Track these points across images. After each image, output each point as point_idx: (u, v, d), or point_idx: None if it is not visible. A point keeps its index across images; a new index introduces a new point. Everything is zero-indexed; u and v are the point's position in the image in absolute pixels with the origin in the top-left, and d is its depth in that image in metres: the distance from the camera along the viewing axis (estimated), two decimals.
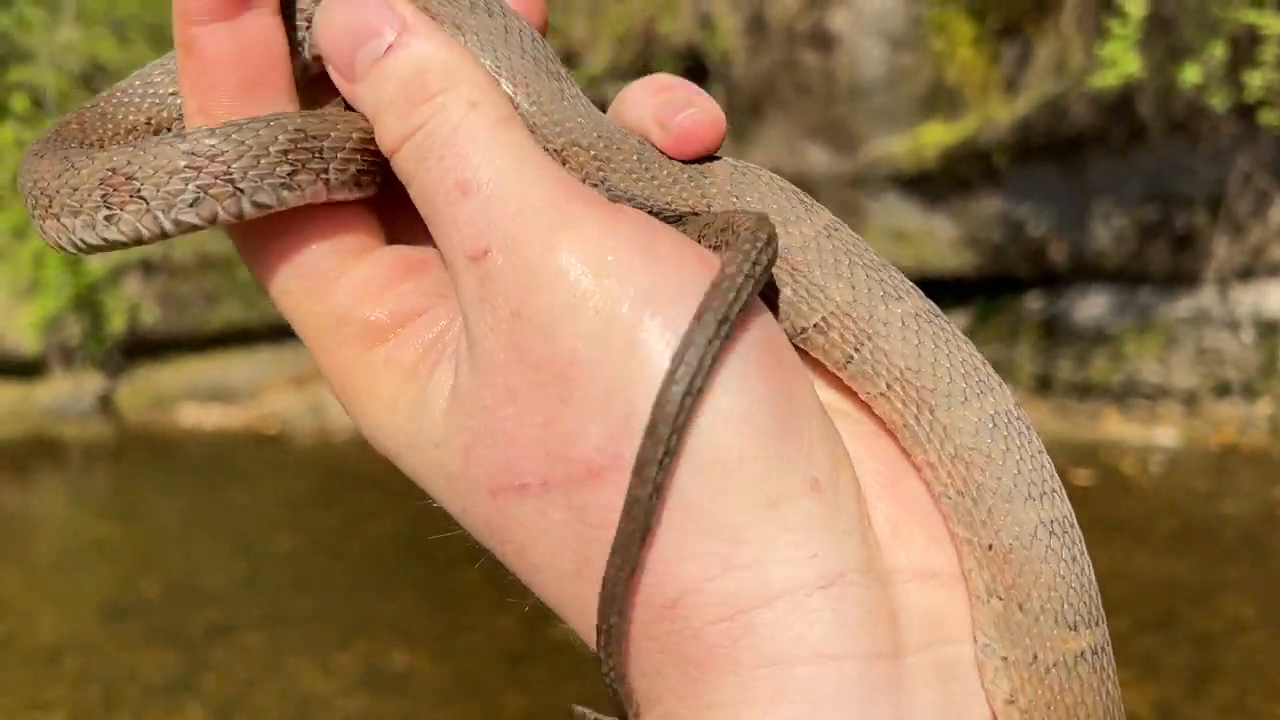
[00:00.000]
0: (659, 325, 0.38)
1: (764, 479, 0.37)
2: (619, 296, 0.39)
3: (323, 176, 0.46)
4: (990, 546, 0.40)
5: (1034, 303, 7.94)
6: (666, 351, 0.38)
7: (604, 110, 0.52)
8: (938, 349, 0.43)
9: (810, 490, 0.37)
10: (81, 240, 0.47)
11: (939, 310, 0.44)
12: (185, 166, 0.44)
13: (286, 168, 0.45)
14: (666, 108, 0.49)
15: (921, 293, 0.44)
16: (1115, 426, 6.91)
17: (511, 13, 0.49)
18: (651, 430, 0.36)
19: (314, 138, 0.45)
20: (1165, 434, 6.68)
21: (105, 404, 10.82)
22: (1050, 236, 7.45)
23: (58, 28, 9.58)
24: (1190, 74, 5.67)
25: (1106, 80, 5.84)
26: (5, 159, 10.17)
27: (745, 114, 8.22)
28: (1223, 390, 6.77)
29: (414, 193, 0.44)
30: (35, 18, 9.89)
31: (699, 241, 0.44)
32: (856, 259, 0.45)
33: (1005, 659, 0.40)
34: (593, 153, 0.48)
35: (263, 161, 0.44)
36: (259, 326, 10.24)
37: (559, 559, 0.40)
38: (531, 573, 0.41)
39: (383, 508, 6.49)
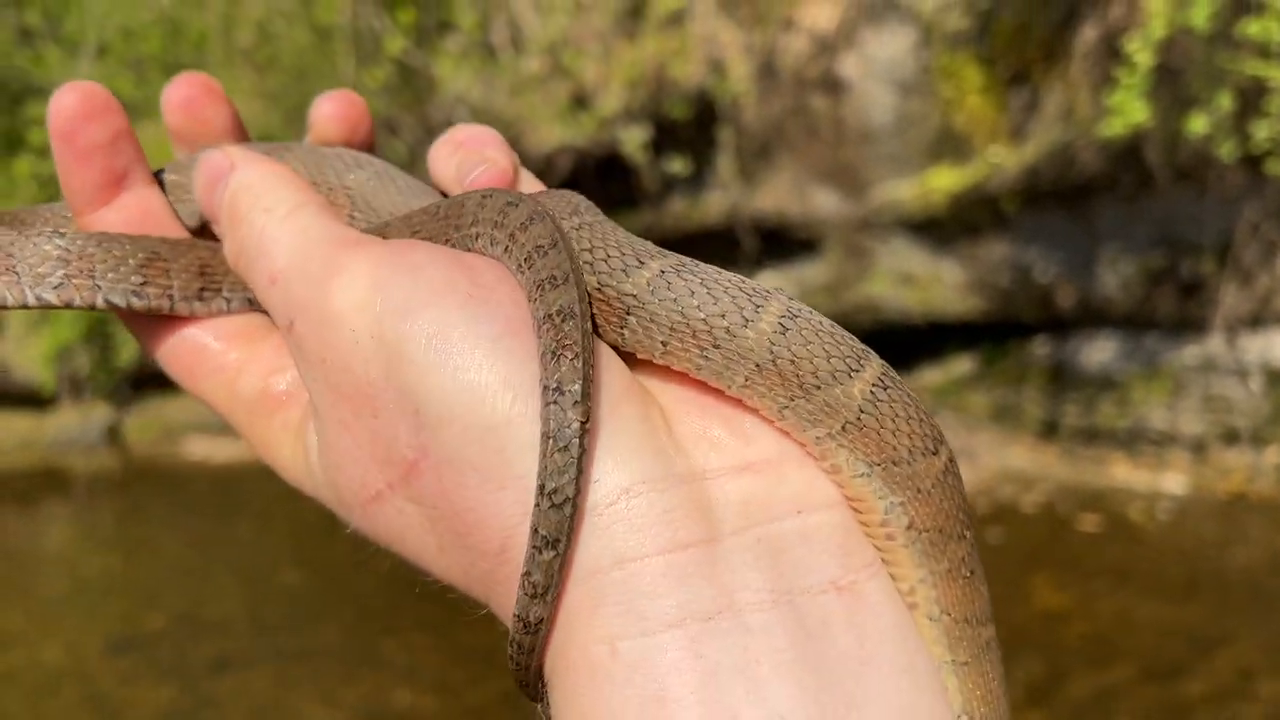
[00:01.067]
0: (417, 330, 0.44)
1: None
2: (382, 317, 0.46)
3: (168, 292, 0.56)
4: (844, 427, 0.44)
5: (1041, 348, 7.95)
6: (428, 350, 0.44)
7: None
8: (698, 291, 0.45)
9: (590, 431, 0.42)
10: None
11: (684, 259, 0.47)
12: (57, 257, 0.55)
13: (138, 278, 0.55)
14: (462, 167, 0.55)
15: (663, 251, 0.47)
16: (1122, 473, 6.89)
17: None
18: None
19: (164, 259, 0.56)
20: (1173, 481, 6.67)
21: (113, 435, 10.85)
22: (1058, 282, 7.48)
23: (75, 64, 9.72)
24: (1197, 124, 5.72)
25: (1114, 129, 5.89)
26: (21, 192, 10.28)
27: (755, 157, 8.29)
28: (1231, 438, 6.76)
29: (254, 295, 0.52)
30: (53, 56, 10.04)
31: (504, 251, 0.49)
32: (609, 236, 0.47)
33: (900, 504, 0.44)
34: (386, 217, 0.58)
35: (120, 269, 0.54)
36: None
37: (425, 542, 0.46)
38: (418, 560, 0.48)
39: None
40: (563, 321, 0.42)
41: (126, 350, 10.60)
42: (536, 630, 0.42)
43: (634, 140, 7.63)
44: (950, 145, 7.59)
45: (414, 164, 8.45)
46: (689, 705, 0.38)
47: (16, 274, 0.55)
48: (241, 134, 0.64)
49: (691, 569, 0.41)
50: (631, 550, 0.41)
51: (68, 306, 0.57)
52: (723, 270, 0.47)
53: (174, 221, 0.60)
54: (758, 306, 0.45)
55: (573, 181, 8.46)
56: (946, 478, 0.46)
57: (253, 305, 0.58)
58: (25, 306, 0.56)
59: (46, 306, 0.57)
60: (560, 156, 8.26)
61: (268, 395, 0.55)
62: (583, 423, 0.40)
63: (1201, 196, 6.44)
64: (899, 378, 0.46)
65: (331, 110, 0.63)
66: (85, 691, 4.90)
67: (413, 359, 0.44)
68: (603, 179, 8.49)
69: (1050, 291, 7.55)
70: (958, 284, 8.00)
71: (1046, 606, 5.11)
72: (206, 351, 0.58)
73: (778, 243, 8.38)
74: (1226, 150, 5.76)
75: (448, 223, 0.51)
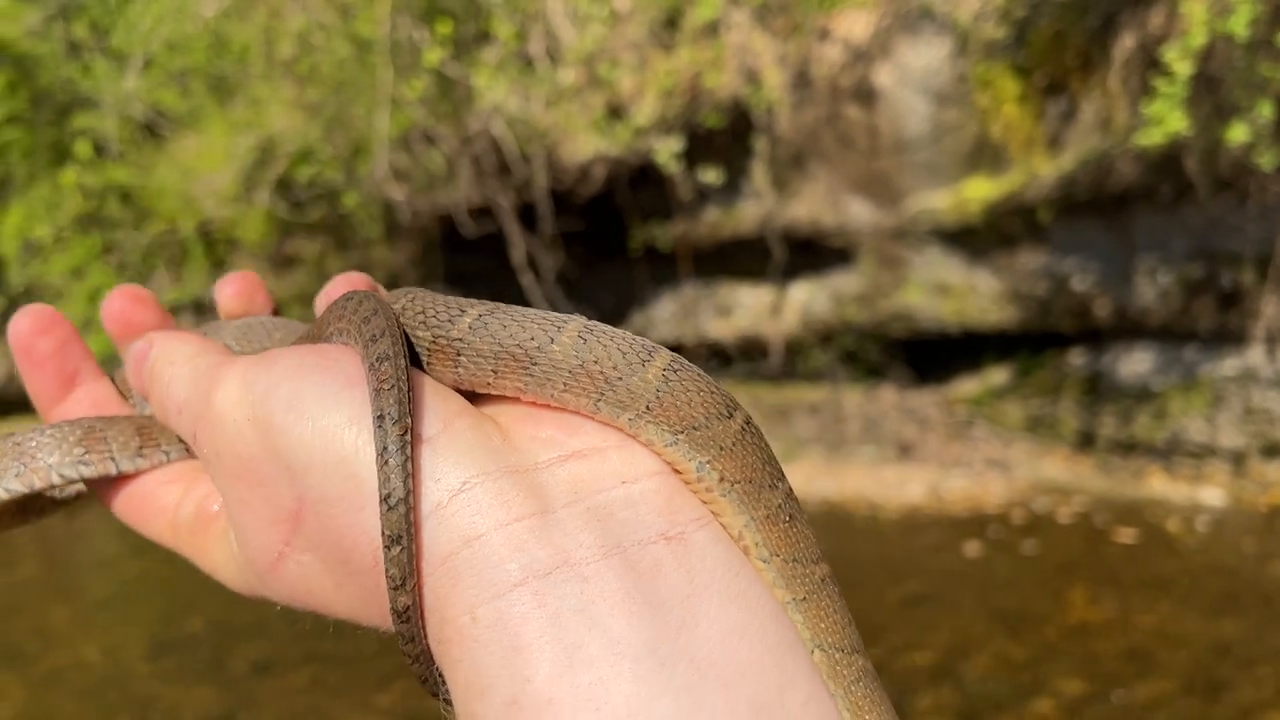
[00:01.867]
0: (278, 400, 0.53)
1: None
2: (253, 403, 0.54)
3: (110, 456, 0.66)
4: (647, 407, 0.52)
5: (1077, 359, 7.90)
6: (288, 412, 0.52)
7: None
8: (509, 325, 0.54)
9: (428, 443, 0.50)
10: None
11: (497, 305, 0.56)
12: (14, 451, 0.67)
13: (80, 450, 0.66)
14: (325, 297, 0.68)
15: (481, 301, 0.57)
16: (1160, 485, 6.82)
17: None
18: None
19: (100, 430, 0.67)
20: (1212, 493, 6.59)
21: None
22: (1094, 292, 7.43)
23: (123, 76, 9.89)
24: (1237, 133, 5.67)
25: (1153, 138, 5.85)
26: (67, 202, 10.47)
27: (789, 167, 8.30)
28: (1271, 450, 6.68)
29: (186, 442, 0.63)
30: (101, 68, 10.22)
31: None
32: (436, 299, 0.57)
33: (707, 461, 0.52)
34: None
35: (64, 447, 0.66)
36: None
37: (324, 584, 0.54)
38: (325, 607, 0.57)
39: None
40: (380, 364, 0.50)
41: None
42: (407, 617, 0.49)
43: (668, 150, 7.66)
44: (986, 155, 7.56)
45: (451, 174, 8.52)
46: (541, 646, 0.45)
47: None
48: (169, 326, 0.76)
49: (527, 536, 0.47)
50: (474, 529, 0.47)
51: (32, 490, 0.68)
52: (528, 309, 0.56)
53: (121, 406, 0.72)
54: (559, 327, 0.54)
55: (607, 191, 8.52)
56: (745, 435, 0.53)
57: (190, 453, 0.68)
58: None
59: (17, 495, 0.68)
60: (595, 166, 8.31)
61: (202, 514, 0.65)
62: (403, 435, 0.48)
63: (1241, 206, 6.38)
64: (687, 362, 0.54)
65: (232, 290, 0.76)
66: (127, 692, 4.98)
67: (278, 425, 0.53)
68: (636, 189, 8.53)
69: (1087, 302, 7.50)
70: (993, 294, 7.97)
71: (1083, 619, 5.07)
72: (151, 496, 0.68)
73: (811, 252, 8.38)
74: (1267, 159, 5.71)
75: (319, 331, 0.61)
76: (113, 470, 0.67)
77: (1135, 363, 7.51)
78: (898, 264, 8.19)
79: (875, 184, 8.01)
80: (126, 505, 0.69)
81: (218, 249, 10.48)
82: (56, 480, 0.67)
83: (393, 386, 0.49)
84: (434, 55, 7.53)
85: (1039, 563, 5.88)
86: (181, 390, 0.61)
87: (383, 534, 0.48)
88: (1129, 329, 7.47)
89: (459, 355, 0.55)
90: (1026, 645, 4.83)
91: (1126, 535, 6.08)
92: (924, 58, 7.55)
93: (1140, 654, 4.66)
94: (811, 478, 7.49)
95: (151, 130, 10.35)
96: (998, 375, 8.36)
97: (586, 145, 8.07)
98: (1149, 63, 6.36)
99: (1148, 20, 6.63)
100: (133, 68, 9.56)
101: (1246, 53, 5.75)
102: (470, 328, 0.54)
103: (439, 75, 7.88)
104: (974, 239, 7.83)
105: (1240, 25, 5.47)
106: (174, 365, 0.63)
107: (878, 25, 7.71)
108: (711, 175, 7.90)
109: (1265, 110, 5.62)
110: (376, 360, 0.51)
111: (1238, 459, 6.76)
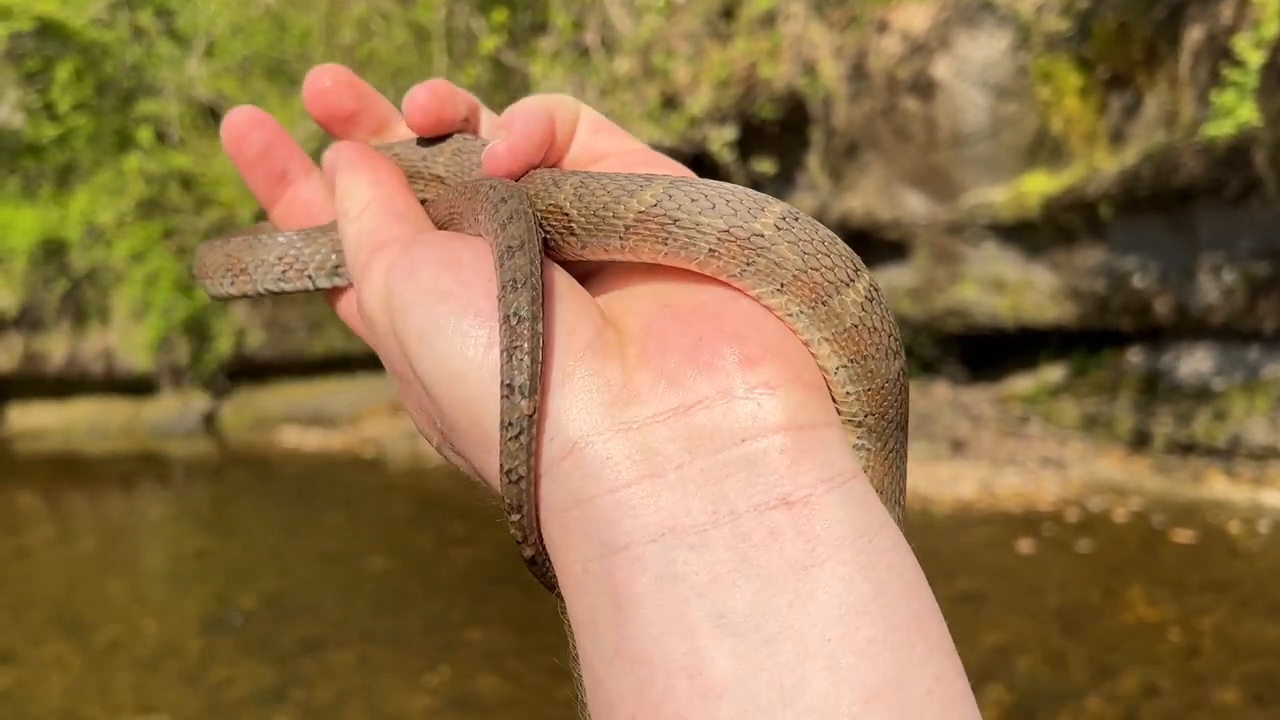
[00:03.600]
0: (411, 326, 0.52)
1: None
2: (392, 317, 0.54)
3: (307, 275, 0.69)
4: (869, 389, 0.52)
5: (1135, 357, 7.76)
6: (419, 343, 0.52)
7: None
8: (816, 245, 0.51)
9: (547, 396, 0.49)
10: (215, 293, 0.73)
11: (796, 209, 0.53)
12: (226, 262, 0.70)
13: (280, 268, 0.69)
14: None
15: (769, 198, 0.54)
16: (1220, 486, 6.68)
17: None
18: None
19: (299, 248, 0.69)
20: (1274, 496, 6.45)
21: (209, 423, 11.19)
22: (1155, 290, 7.29)
23: (185, 62, 10.05)
24: None
25: (1222, 129, 5.72)
26: (129, 188, 10.67)
27: (844, 158, 8.23)
28: None
29: None
30: (166, 51, 10.39)
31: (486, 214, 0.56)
32: (715, 190, 0.53)
33: (868, 448, 0.53)
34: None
35: (265, 265, 0.69)
36: (359, 355, 10.50)
37: (479, 477, 0.55)
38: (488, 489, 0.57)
39: (473, 534, 6.58)
40: (518, 324, 0.48)
41: (223, 341, 10.93)
42: (534, 562, 0.51)
43: (721, 140, 7.63)
44: (1046, 149, 7.45)
45: None
46: (641, 609, 0.45)
47: (249, 274, 0.71)
48: (375, 112, 0.72)
49: (635, 502, 0.46)
50: (585, 492, 0.47)
51: (245, 296, 0.71)
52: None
53: (329, 207, 0.71)
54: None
55: None
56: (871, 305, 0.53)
57: None
58: (224, 298, 0.72)
59: (232, 298, 0.72)
60: None
61: None
62: (530, 415, 0.48)
63: None
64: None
65: (422, 102, 0.68)
66: (181, 666, 5.07)
67: (414, 350, 0.53)
68: None
69: (1147, 300, 7.36)
70: (1050, 290, 7.85)
71: (1140, 619, 4.98)
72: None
73: (866, 245, 8.31)
74: None
75: (470, 205, 0.59)
76: (310, 286, 0.68)
77: (1196, 362, 7.36)
78: (953, 258, 8.10)
79: (932, 177, 7.92)
80: (347, 312, 0.70)
81: None
82: (262, 290, 0.69)
83: (525, 354, 0.48)
84: (490, 43, 7.56)
85: (1094, 561, 5.79)
86: (349, 258, 0.61)
87: (503, 499, 0.49)
88: (1190, 328, 7.32)
89: (674, 222, 0.53)
90: (1081, 643, 4.75)
91: (1185, 536, 5.96)
92: (984, 50, 7.45)
93: (1199, 656, 4.56)
94: None
95: (213, 116, 10.50)
96: (1053, 373, 8.23)
97: (641, 134, 8.06)
98: (1217, 55, 6.22)
99: (1217, 11, 6.48)
100: (195, 53, 9.71)
101: None
102: (654, 200, 0.53)
103: (495, 63, 7.91)
104: (1032, 234, 7.71)
105: None
106: (348, 218, 0.62)
107: (936, 17, 7.62)
108: (765, 166, 7.86)
109: None
110: (512, 317, 0.49)
111: None
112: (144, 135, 10.26)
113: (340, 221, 0.63)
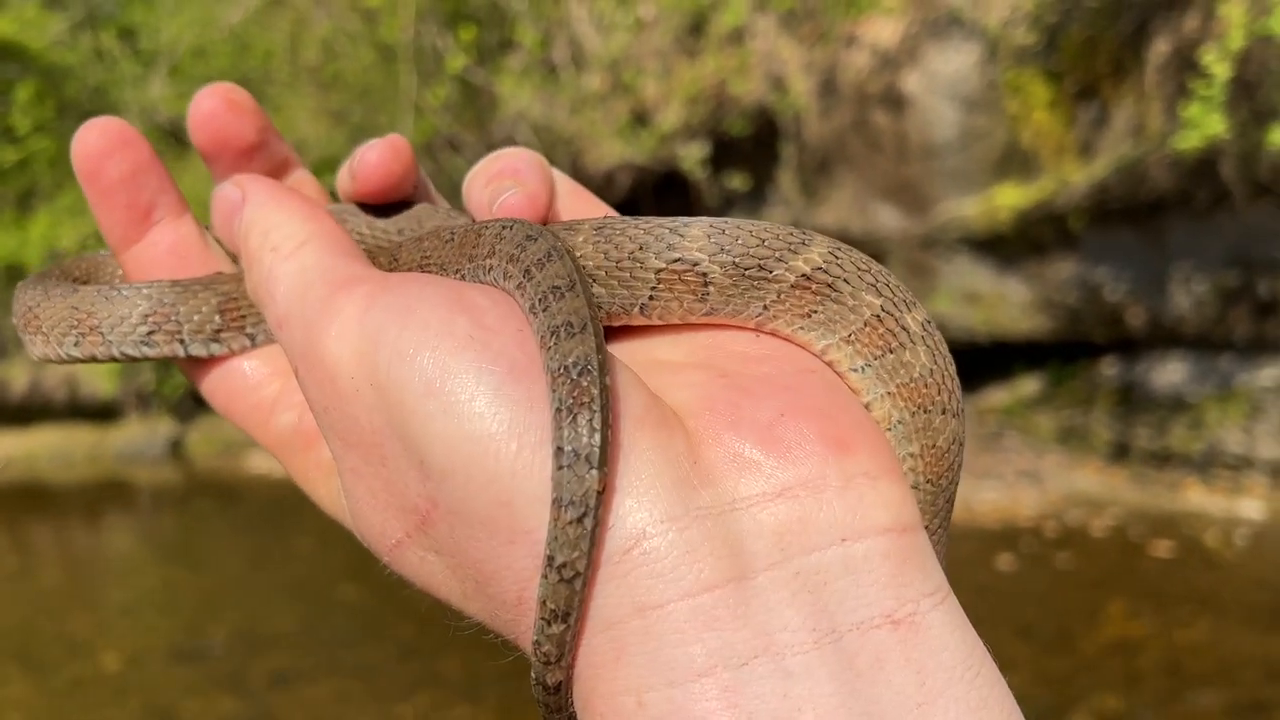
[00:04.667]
0: (414, 376, 0.42)
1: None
2: (378, 363, 0.43)
3: (179, 339, 0.56)
4: (932, 447, 0.45)
5: (1110, 368, 7.77)
6: (427, 398, 0.41)
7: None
8: (881, 293, 0.46)
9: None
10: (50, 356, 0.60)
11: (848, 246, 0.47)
12: (73, 316, 0.57)
13: (145, 329, 0.56)
14: (494, 194, 0.52)
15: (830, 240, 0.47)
16: (1197, 497, 6.69)
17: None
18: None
19: (171, 304, 0.56)
20: (1250, 506, 6.45)
21: (176, 449, 11.02)
22: (1127, 301, 7.31)
23: (147, 83, 9.94)
24: (1277, 136, 5.56)
25: (1190, 142, 5.74)
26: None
27: (816, 173, 8.22)
28: None
29: None
30: (128, 73, 10.28)
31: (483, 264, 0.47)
32: (757, 227, 0.47)
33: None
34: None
35: (127, 323, 0.57)
36: None
37: (451, 588, 0.45)
38: (449, 603, 0.47)
39: None
40: (580, 376, 0.39)
41: None
42: (557, 691, 0.41)
43: (693, 157, 7.60)
44: (1016, 162, 7.47)
45: None
46: None
47: (44, 334, 0.58)
48: (274, 150, 0.60)
49: (720, 611, 0.37)
50: (653, 597, 0.38)
51: (94, 360, 0.58)
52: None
53: (208, 252, 0.60)
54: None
55: (632, 198, 8.47)
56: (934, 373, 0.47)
57: None
58: (59, 361, 0.59)
59: (74, 361, 0.58)
60: (620, 173, 8.26)
61: (299, 432, 0.54)
62: (599, 491, 0.38)
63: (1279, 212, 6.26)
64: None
65: (375, 159, 0.58)
66: (147, 701, 4.94)
67: (412, 408, 0.42)
68: (661, 196, 8.48)
69: (1120, 311, 7.38)
70: (1024, 303, 7.86)
71: (1122, 634, 4.95)
72: (243, 386, 0.58)
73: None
74: None
75: (461, 251, 0.48)
76: (180, 353, 0.56)
77: (1170, 373, 7.38)
78: (927, 272, 8.10)
79: (904, 191, 7.92)
80: (214, 391, 0.58)
81: None
82: (118, 355, 0.57)
83: (594, 415, 0.38)
84: (457, 62, 7.51)
85: (1074, 577, 5.77)
86: (284, 298, 0.48)
87: (542, 603, 0.39)
88: (1163, 338, 7.34)
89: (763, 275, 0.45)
90: (1063, 660, 4.72)
91: (1163, 549, 5.95)
92: (953, 64, 7.46)
93: (1180, 670, 4.54)
94: None
95: (177, 137, 10.39)
96: (1029, 385, 8.24)
97: (611, 152, 8.01)
98: (1183, 67, 6.25)
99: (1182, 24, 6.52)
100: (157, 73, 9.61)
101: None
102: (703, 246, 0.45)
103: (463, 82, 7.86)
104: (1004, 247, 7.72)
105: None
106: (277, 254, 0.50)
107: (905, 31, 7.64)
108: (737, 182, 7.83)
109: None
110: (574, 367, 0.39)
111: (1276, 471, 6.62)
112: None
113: (260, 261, 0.51)
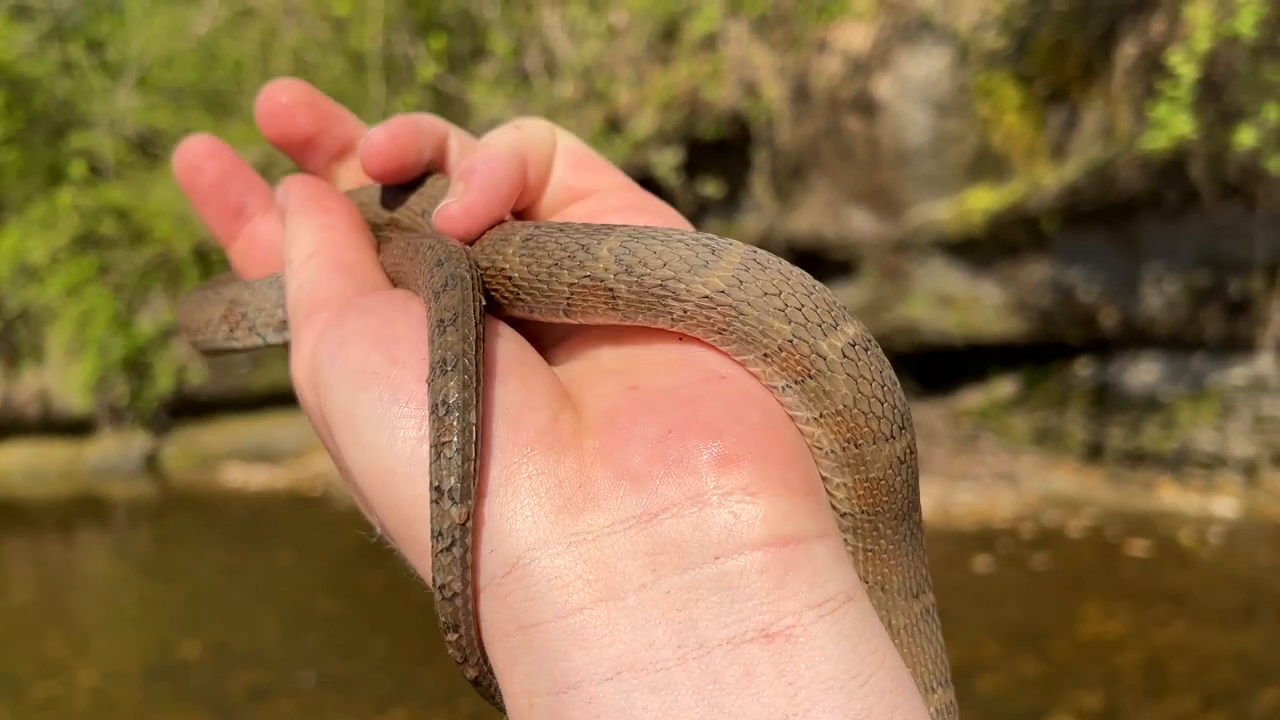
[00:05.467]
0: (335, 409, 0.45)
1: None
2: (316, 394, 0.47)
3: (255, 331, 0.61)
4: (865, 480, 0.44)
5: (1084, 369, 7.82)
6: (344, 430, 0.45)
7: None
8: (791, 318, 0.44)
9: (488, 498, 0.42)
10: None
11: (771, 255, 0.46)
12: (182, 308, 0.65)
13: (226, 327, 0.62)
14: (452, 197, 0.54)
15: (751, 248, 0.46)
16: (1171, 496, 6.74)
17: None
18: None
19: (242, 303, 0.61)
20: (1224, 504, 6.50)
21: (151, 463, 10.92)
22: (1100, 302, 7.36)
23: (116, 95, 9.85)
24: (1245, 136, 5.61)
25: (1158, 142, 5.79)
26: (62, 223, 10.42)
27: (789, 179, 8.24)
28: None
29: None
30: (96, 85, 10.19)
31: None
32: (675, 239, 0.46)
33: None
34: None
35: (212, 319, 0.63)
36: None
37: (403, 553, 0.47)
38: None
39: None
40: (446, 415, 0.41)
41: (164, 378, 10.69)
42: (478, 682, 0.45)
43: (666, 163, 7.61)
44: (988, 165, 7.51)
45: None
46: None
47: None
48: (335, 135, 0.63)
49: (588, 631, 0.39)
50: (530, 617, 0.40)
51: (250, 350, 0.63)
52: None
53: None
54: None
55: None
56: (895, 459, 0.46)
57: None
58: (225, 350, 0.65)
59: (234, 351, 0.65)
60: None
61: None
62: (463, 524, 0.41)
63: (1249, 212, 6.31)
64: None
65: (384, 138, 0.59)
66: (123, 719, 4.88)
67: (339, 439, 0.46)
68: None
69: (1092, 312, 7.43)
70: (997, 305, 7.90)
71: (1098, 634, 4.98)
72: None
73: (814, 265, 8.31)
74: (1275, 163, 5.65)
75: (411, 264, 0.51)
76: (258, 344, 0.62)
77: (1143, 373, 7.43)
78: (900, 276, 8.13)
79: (877, 195, 7.95)
80: None
81: (214, 269, 10.43)
82: (265, 342, 0.63)
83: (457, 451, 0.40)
84: (428, 70, 7.49)
85: (1050, 577, 5.79)
86: (289, 311, 0.54)
87: (440, 621, 0.42)
88: (1136, 338, 7.39)
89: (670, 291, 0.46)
90: (1041, 661, 4.74)
91: (1139, 548, 5.99)
92: (924, 68, 7.50)
93: (1158, 669, 4.56)
94: None
95: (146, 150, 10.31)
96: (1004, 387, 8.28)
97: None
98: (1151, 69, 6.31)
99: (1149, 27, 6.58)
100: (125, 84, 9.53)
101: (1252, 56, 5.69)
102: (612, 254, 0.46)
103: (435, 90, 7.83)
104: (977, 250, 7.76)
105: (1246, 26, 5.42)
106: (290, 266, 0.54)
107: (877, 37, 7.67)
108: (711, 188, 7.83)
109: (1272, 113, 5.57)
110: (441, 406, 0.41)
111: (1249, 469, 6.68)
112: (77, 169, 10.04)
113: (285, 271, 0.56)
